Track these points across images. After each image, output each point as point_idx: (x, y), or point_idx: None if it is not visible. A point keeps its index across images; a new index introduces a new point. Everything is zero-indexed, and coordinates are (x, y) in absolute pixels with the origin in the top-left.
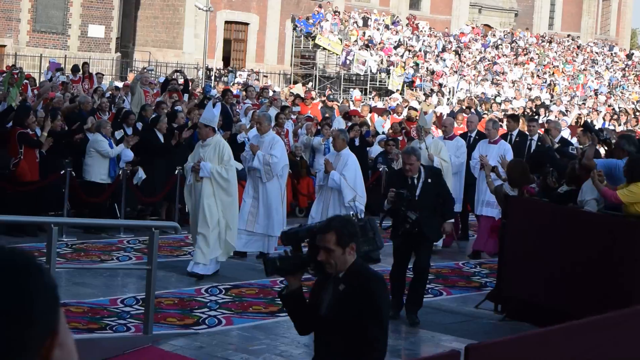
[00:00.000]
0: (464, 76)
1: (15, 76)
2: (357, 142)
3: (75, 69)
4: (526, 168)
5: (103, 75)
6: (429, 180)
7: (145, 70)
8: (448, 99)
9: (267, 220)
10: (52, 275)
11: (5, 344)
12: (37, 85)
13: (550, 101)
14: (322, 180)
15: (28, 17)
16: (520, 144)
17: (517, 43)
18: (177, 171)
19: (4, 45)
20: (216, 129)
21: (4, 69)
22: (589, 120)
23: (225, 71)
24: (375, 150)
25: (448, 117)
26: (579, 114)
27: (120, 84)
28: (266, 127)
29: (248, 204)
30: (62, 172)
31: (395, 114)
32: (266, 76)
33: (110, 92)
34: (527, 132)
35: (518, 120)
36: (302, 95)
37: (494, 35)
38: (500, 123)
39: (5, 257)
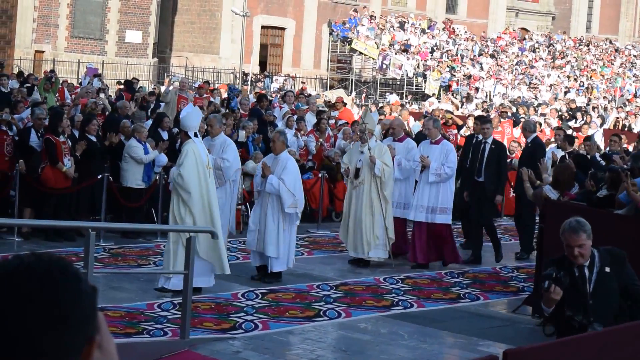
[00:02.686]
0: (501, 80)
1: (51, 82)
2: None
3: None
4: (574, 172)
5: (139, 80)
6: (607, 270)
7: (177, 78)
8: (484, 102)
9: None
10: (89, 281)
11: (43, 350)
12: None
13: (587, 104)
14: (260, 185)
15: (66, 23)
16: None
17: (554, 46)
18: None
19: (43, 51)
20: (190, 134)
21: (42, 74)
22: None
23: (262, 76)
24: None
25: (397, 118)
26: (617, 118)
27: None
28: (217, 130)
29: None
30: (99, 177)
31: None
32: (304, 82)
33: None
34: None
35: (491, 122)
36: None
37: (531, 38)
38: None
39: (43, 264)
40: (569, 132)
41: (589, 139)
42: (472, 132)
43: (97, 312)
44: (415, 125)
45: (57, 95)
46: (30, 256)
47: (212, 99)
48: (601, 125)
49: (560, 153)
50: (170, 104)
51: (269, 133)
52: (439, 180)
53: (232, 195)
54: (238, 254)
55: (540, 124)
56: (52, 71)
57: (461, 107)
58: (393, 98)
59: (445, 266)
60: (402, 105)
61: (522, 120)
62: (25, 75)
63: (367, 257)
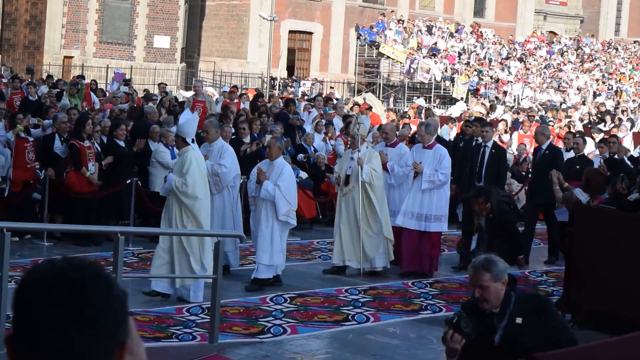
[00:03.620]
0: (529, 84)
1: (77, 87)
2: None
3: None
4: (606, 177)
5: (167, 85)
6: (518, 321)
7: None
8: (512, 107)
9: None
10: (120, 286)
11: (74, 354)
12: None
13: (616, 108)
14: (254, 192)
15: (95, 28)
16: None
17: (582, 50)
18: (241, 181)
19: (71, 57)
20: (188, 140)
21: (71, 79)
22: None
23: (290, 80)
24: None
25: (389, 122)
26: None
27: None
28: (214, 135)
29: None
30: (128, 182)
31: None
32: (332, 87)
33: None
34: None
35: (492, 129)
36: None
37: (559, 42)
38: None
39: (74, 269)
40: (600, 135)
41: (614, 137)
42: (466, 134)
43: (128, 317)
44: (444, 129)
45: (83, 100)
46: (61, 261)
47: (242, 104)
48: (631, 128)
49: (568, 155)
50: (212, 108)
51: (297, 137)
52: (432, 187)
53: (232, 202)
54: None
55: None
56: (81, 76)
57: (491, 110)
58: (421, 102)
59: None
60: (428, 109)
61: (551, 124)
62: (54, 81)
63: (370, 267)
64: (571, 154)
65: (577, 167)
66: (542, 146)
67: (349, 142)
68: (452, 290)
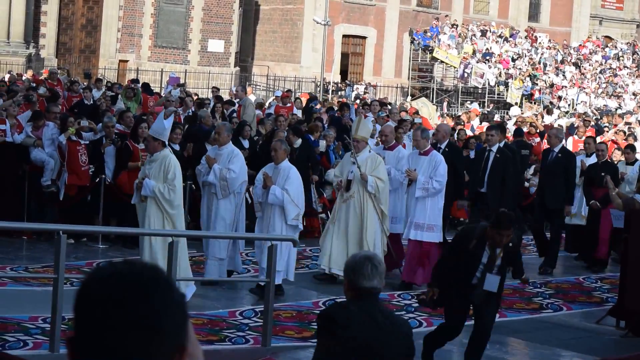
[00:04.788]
0: (584, 88)
1: (134, 91)
2: (472, 155)
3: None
4: None
5: (219, 89)
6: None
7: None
8: (567, 111)
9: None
10: (180, 290)
11: (135, 358)
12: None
13: None
14: (261, 197)
15: (150, 32)
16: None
17: (638, 54)
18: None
19: (127, 60)
20: (166, 143)
21: (126, 83)
22: None
23: (343, 85)
24: None
25: (388, 125)
26: None
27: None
28: (225, 139)
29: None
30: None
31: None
32: (366, 92)
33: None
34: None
35: (504, 131)
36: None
37: (615, 46)
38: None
39: (136, 272)
40: None
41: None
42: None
43: (188, 320)
44: None
45: (139, 104)
46: (123, 264)
47: (295, 108)
48: None
49: (589, 161)
50: (248, 112)
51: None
52: (426, 195)
53: (238, 207)
54: (310, 263)
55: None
56: (135, 80)
57: (547, 114)
58: (474, 106)
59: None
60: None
61: (606, 129)
62: (109, 85)
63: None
64: (593, 159)
65: (602, 173)
66: (555, 149)
67: (353, 145)
68: (505, 296)
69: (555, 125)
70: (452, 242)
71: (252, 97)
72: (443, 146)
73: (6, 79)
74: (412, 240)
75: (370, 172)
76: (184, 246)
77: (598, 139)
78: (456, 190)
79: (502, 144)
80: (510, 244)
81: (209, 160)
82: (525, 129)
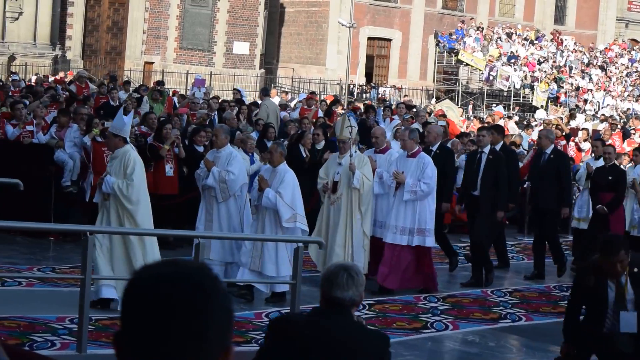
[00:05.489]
0: (610, 92)
1: (160, 93)
2: None
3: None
4: None
5: (238, 90)
6: None
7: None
8: (593, 115)
9: (223, 244)
10: (229, 294)
11: (182, 358)
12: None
13: None
14: (257, 200)
15: (175, 34)
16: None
17: None
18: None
19: (152, 62)
20: (127, 139)
21: (151, 85)
22: None
23: (368, 87)
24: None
25: (379, 127)
26: None
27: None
28: (223, 141)
29: (201, 230)
30: None
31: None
32: (406, 95)
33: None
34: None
35: (503, 132)
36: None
37: None
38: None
39: (186, 274)
40: None
41: None
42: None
43: (234, 321)
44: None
45: (164, 105)
46: (171, 265)
47: (319, 111)
48: None
49: (597, 164)
50: (270, 114)
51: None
52: (414, 198)
53: (239, 210)
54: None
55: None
56: (161, 82)
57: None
58: (500, 109)
59: (427, 292)
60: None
61: (632, 132)
62: (136, 87)
63: None
64: (600, 163)
65: (610, 177)
66: (547, 150)
67: (338, 146)
68: (531, 300)
69: (581, 128)
70: (572, 288)
71: (276, 99)
72: (434, 148)
73: (33, 81)
74: (397, 245)
75: (358, 168)
76: (154, 245)
77: (625, 145)
78: (443, 193)
79: (498, 146)
80: (636, 269)
81: (207, 163)
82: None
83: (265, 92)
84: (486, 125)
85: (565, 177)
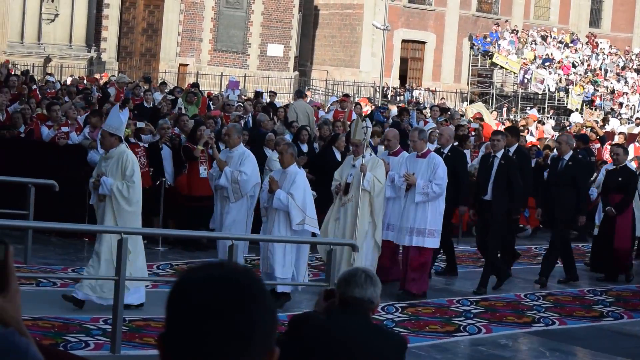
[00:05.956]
0: None
1: (194, 95)
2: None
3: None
4: None
5: (276, 93)
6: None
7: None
8: (629, 118)
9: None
10: (272, 297)
11: (230, 356)
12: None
13: None
14: (267, 202)
15: (210, 37)
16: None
17: None
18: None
19: (187, 64)
20: (122, 138)
21: (186, 87)
22: None
23: (402, 90)
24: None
25: (392, 129)
26: None
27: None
28: (235, 141)
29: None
30: None
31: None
32: (443, 98)
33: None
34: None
35: (518, 134)
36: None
37: None
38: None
39: (233, 278)
40: None
41: None
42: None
43: (278, 324)
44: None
45: (199, 107)
46: (218, 267)
47: (354, 113)
48: None
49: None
50: (300, 115)
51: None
52: (426, 199)
53: (249, 211)
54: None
55: None
56: (196, 84)
57: (604, 123)
58: (534, 112)
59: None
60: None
61: None
62: (170, 89)
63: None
64: (610, 165)
65: (620, 179)
66: (565, 157)
67: (352, 149)
68: (565, 304)
69: (617, 132)
70: None
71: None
72: (446, 151)
73: (68, 82)
74: (412, 247)
75: (370, 170)
76: (139, 244)
77: None
78: (457, 196)
79: (513, 148)
80: None
81: (219, 163)
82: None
83: (299, 94)
84: (509, 128)
85: (581, 185)
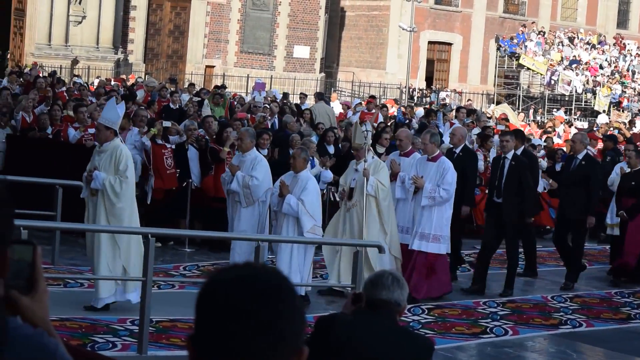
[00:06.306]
0: None
1: (221, 96)
2: (557, 168)
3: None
4: None
5: (306, 95)
6: None
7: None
8: None
9: (245, 249)
10: (300, 298)
11: (259, 356)
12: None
13: None
14: (277, 206)
15: (236, 38)
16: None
17: None
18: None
19: (213, 66)
20: (117, 132)
21: (212, 88)
22: None
23: (428, 91)
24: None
25: (404, 129)
26: None
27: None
28: (248, 145)
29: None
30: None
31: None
32: (470, 100)
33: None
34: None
35: (523, 138)
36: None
37: None
38: None
39: (262, 278)
40: None
41: None
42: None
43: (307, 324)
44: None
45: (226, 109)
46: (246, 268)
47: (380, 116)
48: None
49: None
50: (321, 117)
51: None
52: (432, 204)
53: (261, 217)
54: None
55: None
56: (223, 86)
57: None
58: (561, 114)
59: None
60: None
61: None
62: (197, 90)
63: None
64: (625, 164)
65: (633, 182)
66: (578, 156)
67: (354, 153)
68: (592, 306)
69: None
70: None
71: (337, 104)
72: (458, 150)
73: (95, 84)
74: (420, 252)
75: (372, 174)
76: (136, 244)
77: None
78: (463, 196)
79: (519, 151)
80: None
81: (231, 167)
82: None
83: (319, 97)
84: (514, 131)
85: (594, 185)
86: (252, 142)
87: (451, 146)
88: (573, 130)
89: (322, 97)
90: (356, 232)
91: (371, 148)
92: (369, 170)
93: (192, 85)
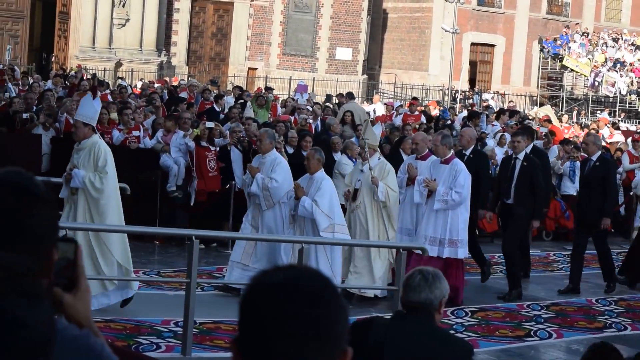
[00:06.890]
0: None
1: (265, 98)
2: None
3: None
4: None
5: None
6: None
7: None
8: None
9: (267, 254)
10: (345, 300)
11: (305, 358)
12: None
13: None
14: (294, 209)
15: (278, 40)
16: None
17: None
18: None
19: (256, 68)
20: (95, 127)
21: (255, 91)
22: None
23: (471, 93)
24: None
25: (420, 132)
26: None
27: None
28: (267, 146)
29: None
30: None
31: None
32: (512, 101)
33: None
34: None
35: (532, 135)
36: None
37: None
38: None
39: (307, 281)
40: None
41: None
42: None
43: (349, 324)
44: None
45: (269, 111)
46: (291, 270)
47: (422, 117)
48: None
49: None
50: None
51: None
52: (445, 207)
53: (283, 219)
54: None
55: None
56: (269, 88)
57: None
58: (605, 116)
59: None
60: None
61: None
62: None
63: (360, 292)
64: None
65: None
66: (592, 157)
67: (360, 152)
68: (637, 309)
69: None
70: None
71: (379, 106)
72: (468, 152)
73: (139, 87)
74: (423, 256)
75: (380, 179)
76: (123, 242)
77: None
78: (477, 200)
79: (528, 149)
80: None
81: (251, 169)
82: None
83: (350, 96)
84: (522, 127)
85: (609, 186)
86: (272, 144)
87: (460, 148)
88: (617, 134)
89: (352, 96)
90: (358, 234)
91: (377, 149)
92: (374, 172)
93: (237, 87)
